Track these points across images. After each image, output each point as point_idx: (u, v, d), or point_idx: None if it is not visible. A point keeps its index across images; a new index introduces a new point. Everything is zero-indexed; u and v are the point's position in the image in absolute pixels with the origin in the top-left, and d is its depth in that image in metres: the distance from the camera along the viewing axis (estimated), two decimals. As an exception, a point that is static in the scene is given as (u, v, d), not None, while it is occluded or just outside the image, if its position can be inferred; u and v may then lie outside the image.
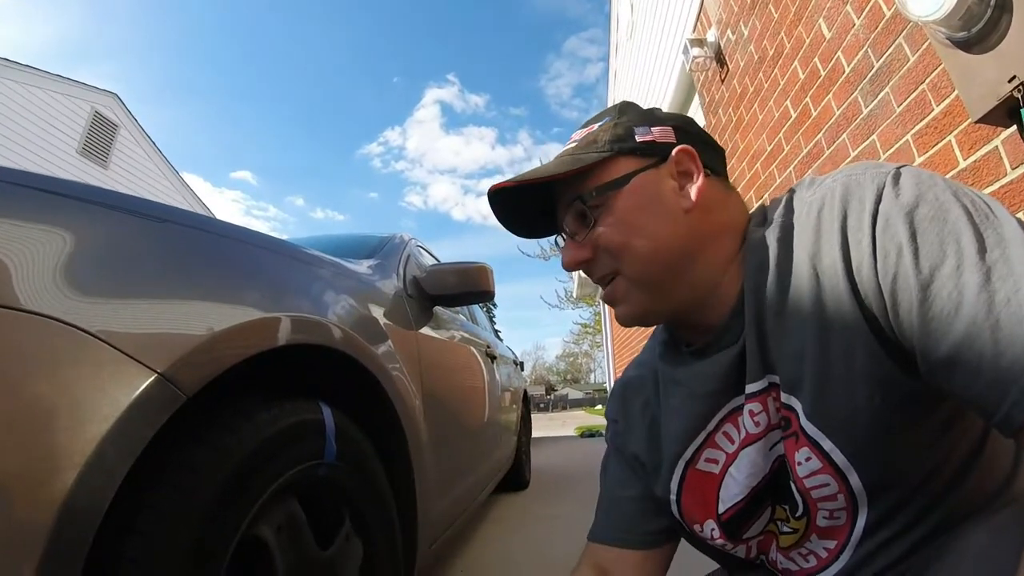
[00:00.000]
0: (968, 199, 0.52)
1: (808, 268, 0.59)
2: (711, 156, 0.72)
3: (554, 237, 0.80)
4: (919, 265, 0.50)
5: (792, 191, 0.67)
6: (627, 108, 0.75)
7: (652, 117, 0.73)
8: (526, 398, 4.72)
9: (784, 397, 0.62)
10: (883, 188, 0.55)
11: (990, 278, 0.47)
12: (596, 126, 0.73)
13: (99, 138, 10.85)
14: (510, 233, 0.82)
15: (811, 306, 0.58)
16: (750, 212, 0.73)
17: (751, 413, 0.66)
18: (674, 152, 0.68)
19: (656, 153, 0.69)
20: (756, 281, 0.64)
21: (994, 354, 0.45)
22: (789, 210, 0.65)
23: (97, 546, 0.55)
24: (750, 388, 0.65)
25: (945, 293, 0.49)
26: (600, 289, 0.75)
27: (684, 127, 0.72)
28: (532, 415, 5.26)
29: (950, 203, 0.52)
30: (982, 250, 0.48)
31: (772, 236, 0.63)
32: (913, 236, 0.51)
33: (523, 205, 0.78)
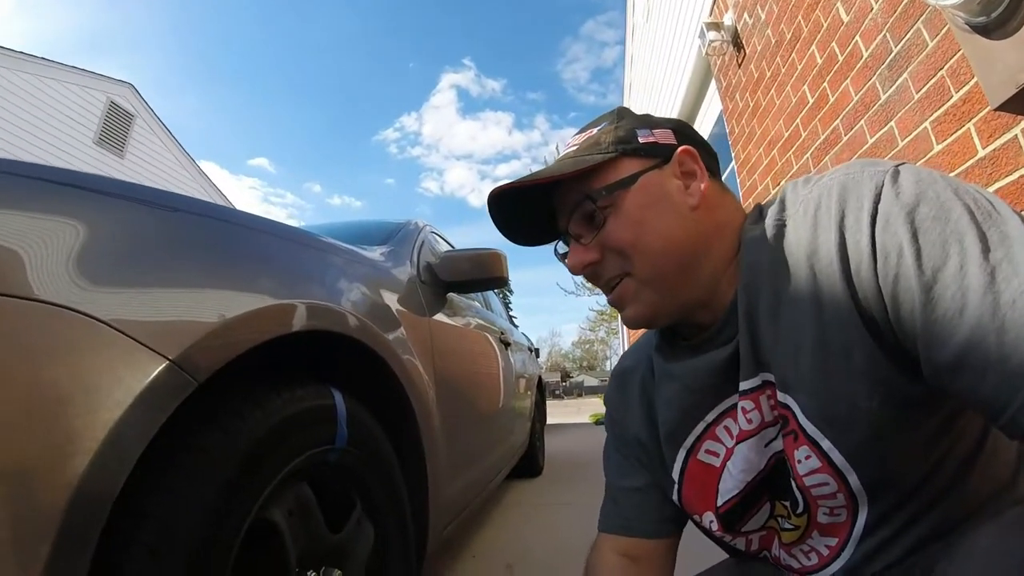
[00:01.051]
0: (970, 197, 0.51)
1: (805, 268, 0.58)
2: (708, 159, 0.72)
3: (553, 245, 0.80)
4: (921, 266, 0.50)
5: (787, 189, 0.67)
6: (624, 113, 0.75)
7: (650, 120, 0.73)
8: (541, 385, 4.74)
9: (780, 396, 0.62)
10: (882, 187, 0.54)
11: (995, 279, 0.46)
12: (595, 130, 0.73)
13: (115, 128, 10.97)
14: (509, 241, 0.82)
15: (807, 306, 0.58)
16: (746, 212, 0.73)
17: (743, 410, 0.66)
18: (677, 153, 0.69)
19: (659, 154, 0.69)
20: (750, 280, 0.63)
21: (1000, 357, 0.44)
22: (784, 209, 0.64)
23: (110, 529, 0.56)
24: (743, 386, 0.65)
25: (948, 295, 0.48)
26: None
27: (682, 130, 0.73)
28: (547, 402, 5.27)
29: (951, 202, 0.51)
30: (986, 250, 0.47)
31: (767, 235, 0.63)
32: (914, 236, 0.51)
33: (522, 212, 0.78)
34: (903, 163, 0.57)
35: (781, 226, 0.63)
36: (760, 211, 0.69)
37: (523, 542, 2.44)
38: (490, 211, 0.76)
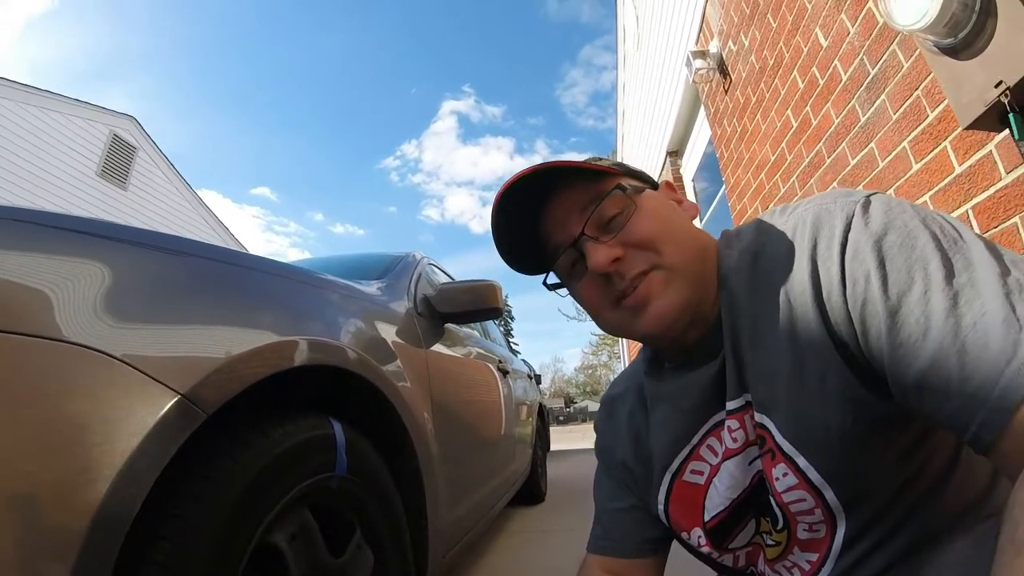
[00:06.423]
0: (936, 225, 0.54)
1: (780, 295, 0.61)
2: None
3: (543, 276, 0.80)
4: (887, 292, 0.52)
5: (761, 219, 0.70)
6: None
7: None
8: (542, 412, 4.73)
9: (757, 416, 0.65)
10: (852, 217, 0.57)
11: (957, 302, 0.48)
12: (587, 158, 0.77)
13: (118, 160, 11.08)
14: (508, 265, 0.79)
15: (783, 332, 0.60)
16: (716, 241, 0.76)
17: (729, 429, 0.68)
18: (661, 184, 0.78)
19: (649, 182, 0.77)
20: (731, 302, 0.66)
21: (961, 378, 0.46)
22: (761, 236, 0.67)
23: (126, 550, 0.60)
24: (730, 405, 0.68)
25: (912, 319, 0.50)
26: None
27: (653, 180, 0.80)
28: (551, 428, 5.24)
29: (918, 230, 0.53)
30: (950, 275, 0.49)
31: (745, 261, 0.66)
32: (881, 263, 0.53)
33: (519, 228, 0.76)
34: (875, 193, 0.60)
35: (759, 255, 0.65)
36: (728, 240, 0.73)
37: (525, 569, 2.43)
38: (496, 217, 0.75)
